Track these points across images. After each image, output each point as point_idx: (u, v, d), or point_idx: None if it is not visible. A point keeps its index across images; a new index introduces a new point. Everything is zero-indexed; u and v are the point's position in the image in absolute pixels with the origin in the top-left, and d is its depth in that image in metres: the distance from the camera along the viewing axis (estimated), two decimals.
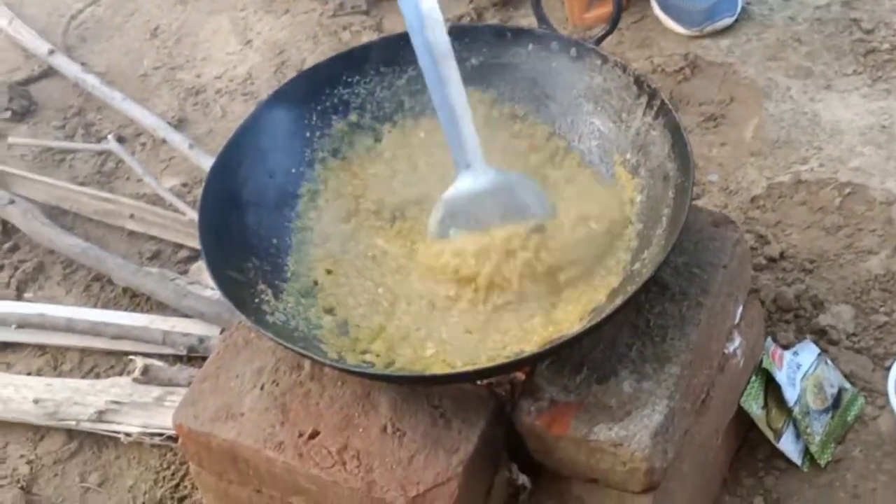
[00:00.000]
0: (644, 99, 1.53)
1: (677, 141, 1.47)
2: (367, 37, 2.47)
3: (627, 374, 1.43)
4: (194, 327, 1.88)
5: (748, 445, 1.73)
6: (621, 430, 1.38)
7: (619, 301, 1.37)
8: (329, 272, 1.51)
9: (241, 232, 1.48)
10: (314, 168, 1.59)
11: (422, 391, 1.43)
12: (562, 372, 1.44)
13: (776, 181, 2.10)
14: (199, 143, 2.21)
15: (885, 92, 2.25)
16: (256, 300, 1.43)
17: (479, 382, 1.46)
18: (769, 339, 1.72)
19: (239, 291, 1.41)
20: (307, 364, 1.47)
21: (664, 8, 2.38)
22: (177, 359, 1.86)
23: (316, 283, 1.50)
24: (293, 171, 1.57)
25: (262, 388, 1.46)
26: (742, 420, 1.66)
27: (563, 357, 1.44)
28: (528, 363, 1.42)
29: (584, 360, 1.44)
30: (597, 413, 1.39)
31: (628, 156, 1.55)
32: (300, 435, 1.41)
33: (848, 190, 2.06)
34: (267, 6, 2.68)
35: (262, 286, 1.46)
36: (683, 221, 1.39)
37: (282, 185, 1.55)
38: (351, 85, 1.61)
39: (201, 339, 1.83)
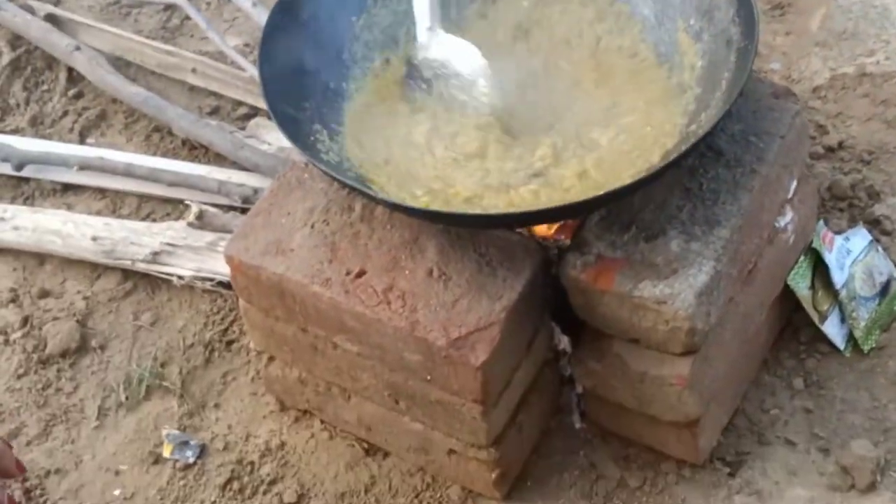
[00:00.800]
0: None
1: (743, 4, 1.46)
2: None
3: (676, 233, 1.43)
4: (250, 179, 1.90)
5: (792, 328, 1.73)
6: (666, 287, 1.38)
7: (671, 157, 1.37)
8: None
9: (299, 70, 1.50)
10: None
11: (469, 239, 1.45)
12: (610, 228, 1.44)
13: (840, 72, 2.07)
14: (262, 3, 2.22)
15: None
16: (311, 138, 1.45)
17: (526, 234, 1.48)
18: (821, 221, 1.71)
19: (295, 127, 1.43)
20: (358, 206, 1.49)
21: None
22: (231, 209, 1.89)
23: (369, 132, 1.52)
24: (353, 18, 1.58)
25: (312, 226, 1.48)
26: (787, 301, 1.67)
27: (613, 214, 1.45)
28: (579, 211, 1.43)
29: (634, 218, 1.45)
30: (642, 270, 1.40)
31: (692, 21, 1.53)
32: (347, 273, 1.44)
33: None
34: None
35: (317, 126, 1.47)
36: (743, 84, 1.38)
37: (342, 31, 1.56)
38: None
39: (256, 191, 1.85)
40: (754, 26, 1.42)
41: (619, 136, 1.48)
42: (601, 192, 1.35)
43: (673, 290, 1.38)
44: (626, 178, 1.42)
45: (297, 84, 1.49)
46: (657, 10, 1.57)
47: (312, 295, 1.44)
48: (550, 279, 1.46)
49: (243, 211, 1.87)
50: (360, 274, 1.43)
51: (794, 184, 1.58)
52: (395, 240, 1.45)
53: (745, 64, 1.40)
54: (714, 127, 1.36)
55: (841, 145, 1.96)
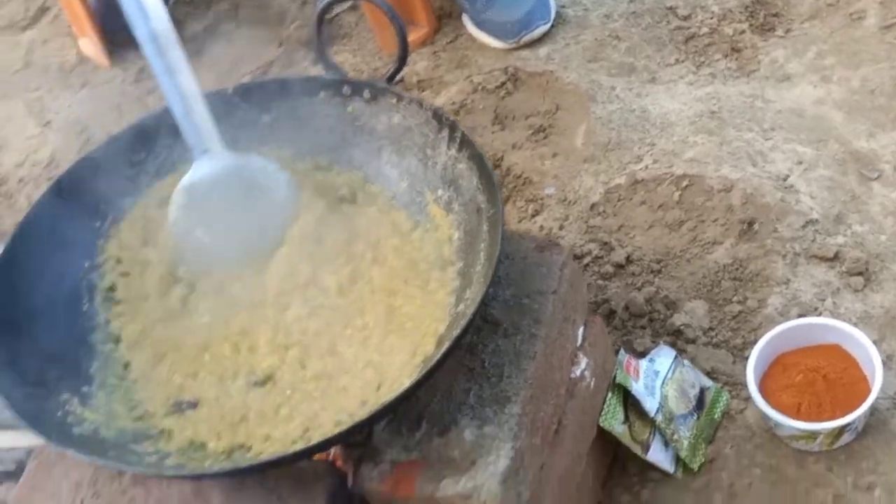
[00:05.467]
0: (445, 132, 1.48)
1: (483, 172, 1.42)
2: None
3: (468, 421, 1.36)
4: (18, 439, 1.74)
5: (619, 462, 1.68)
6: (468, 481, 1.31)
7: (445, 348, 1.30)
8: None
9: (31, 341, 1.37)
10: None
11: (255, 476, 1.34)
12: (400, 430, 1.36)
13: (613, 184, 2.06)
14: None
15: (709, 77, 2.22)
16: (60, 413, 1.33)
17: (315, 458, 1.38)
18: (622, 350, 1.67)
19: (39, 406, 1.31)
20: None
21: (478, 24, 2.32)
22: (6, 475, 1.74)
23: (123, 380, 1.40)
24: (87, 264, 1.47)
25: (82, 503, 1.36)
26: (609, 438, 1.61)
27: (400, 414, 1.37)
28: (361, 429, 1.34)
29: (422, 413, 1.37)
30: (441, 468, 1.32)
31: (440, 192, 1.49)
32: None
33: (685, 182, 2.02)
34: (62, 82, 2.56)
35: (66, 395, 1.35)
36: (497, 255, 1.33)
37: (75, 284, 1.45)
38: (138, 164, 1.52)
39: (30, 452, 1.71)
40: (496, 192, 1.38)
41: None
42: (380, 408, 1.26)
43: (476, 482, 1.31)
44: (403, 374, 1.35)
45: (32, 354, 1.36)
46: (403, 185, 1.52)
47: None
48: (349, 496, 1.37)
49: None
50: None
51: (581, 330, 1.53)
52: (174, 498, 1.34)
53: (496, 233, 1.35)
54: (479, 307, 1.30)
55: (629, 259, 1.94)
